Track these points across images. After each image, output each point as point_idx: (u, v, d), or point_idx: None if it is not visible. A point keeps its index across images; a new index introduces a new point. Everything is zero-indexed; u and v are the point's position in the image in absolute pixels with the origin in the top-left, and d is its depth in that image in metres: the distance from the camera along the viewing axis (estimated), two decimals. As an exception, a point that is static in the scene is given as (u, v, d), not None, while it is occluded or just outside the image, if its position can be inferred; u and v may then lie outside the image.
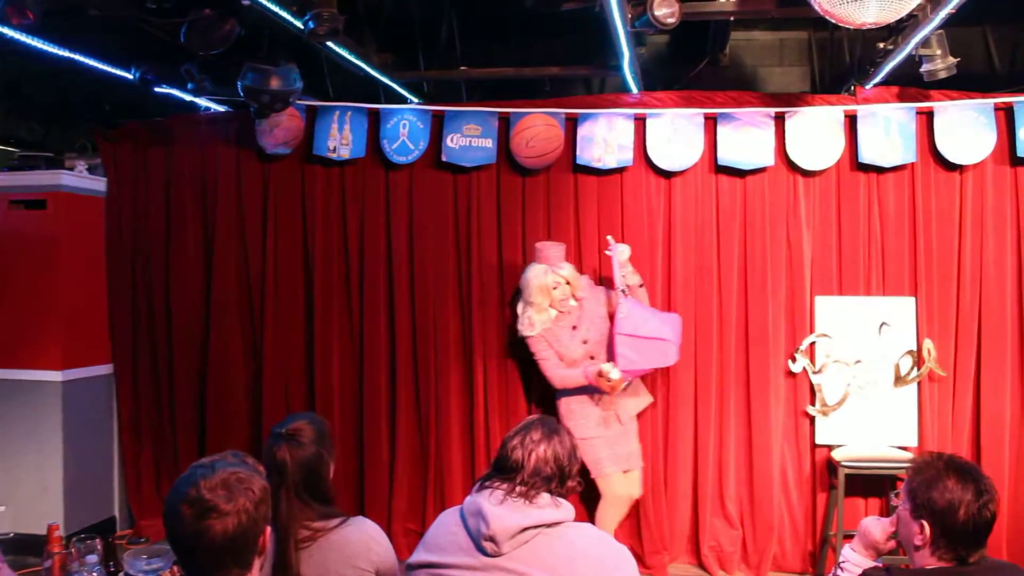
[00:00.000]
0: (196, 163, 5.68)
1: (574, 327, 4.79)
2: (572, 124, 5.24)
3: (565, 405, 4.79)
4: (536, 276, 4.77)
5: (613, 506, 4.75)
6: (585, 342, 4.77)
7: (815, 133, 5.08)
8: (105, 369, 5.71)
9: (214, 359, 5.62)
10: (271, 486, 1.96)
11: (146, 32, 4.62)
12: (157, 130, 5.73)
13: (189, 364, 5.69)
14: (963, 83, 4.85)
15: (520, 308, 4.86)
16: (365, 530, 2.49)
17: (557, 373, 4.77)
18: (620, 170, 5.25)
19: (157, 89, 5.14)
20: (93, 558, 2.68)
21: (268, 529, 1.89)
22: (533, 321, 4.78)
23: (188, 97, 5.38)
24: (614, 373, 4.53)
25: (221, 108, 5.66)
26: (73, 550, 2.69)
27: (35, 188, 5.40)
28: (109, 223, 5.75)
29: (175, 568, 2.58)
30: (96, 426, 5.63)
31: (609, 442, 4.72)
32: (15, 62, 4.95)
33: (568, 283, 4.79)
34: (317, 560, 2.38)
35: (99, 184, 5.70)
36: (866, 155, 5.05)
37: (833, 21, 3.53)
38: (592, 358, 4.75)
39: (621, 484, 4.75)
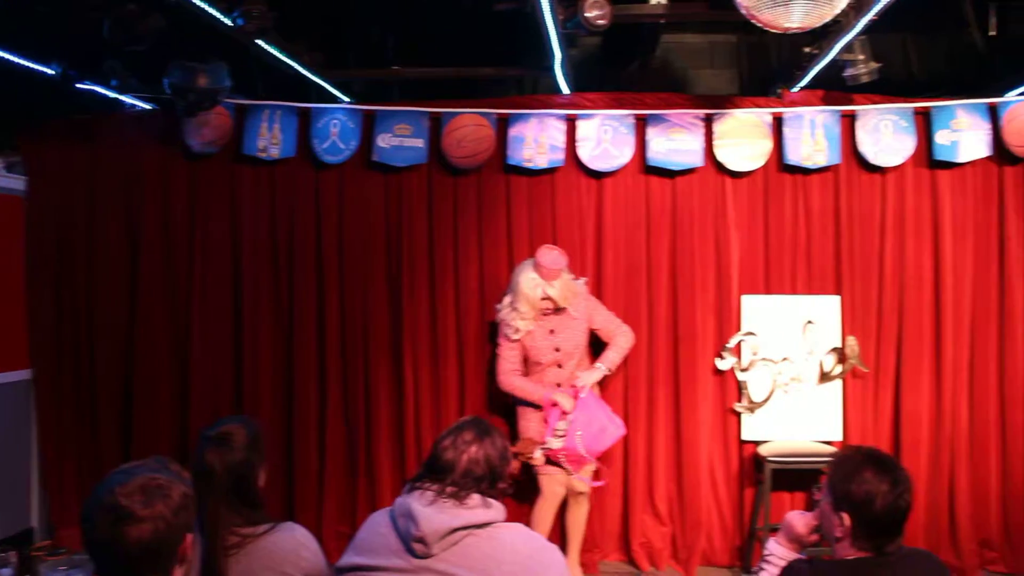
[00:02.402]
0: (121, 162, 5.53)
1: (552, 331, 4.77)
2: (503, 124, 5.27)
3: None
4: (527, 287, 4.66)
5: (550, 502, 4.79)
6: (557, 349, 4.77)
7: (743, 135, 5.17)
8: (22, 375, 5.53)
9: (139, 363, 5.48)
10: (199, 491, 1.93)
11: (68, 26, 4.52)
12: (80, 128, 5.57)
13: (113, 368, 5.53)
14: (884, 88, 5.00)
15: (508, 301, 4.79)
16: (294, 536, 2.46)
17: (512, 380, 4.79)
18: (551, 170, 5.28)
19: (80, 86, 5.01)
20: (7, 571, 2.61)
21: (190, 537, 1.85)
22: (517, 326, 4.74)
23: (113, 94, 5.26)
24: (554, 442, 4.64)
25: (147, 106, 5.54)
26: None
27: (-50, 187, 5.23)
28: (29, 223, 5.57)
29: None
30: (13, 433, 5.44)
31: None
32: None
33: (553, 300, 4.70)
34: (245, 567, 2.34)
35: (18, 183, 5.52)
36: (792, 157, 5.17)
37: (760, 25, 3.61)
38: (559, 366, 4.76)
39: (559, 481, 4.78)
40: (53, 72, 4.94)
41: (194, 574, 2.25)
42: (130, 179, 5.53)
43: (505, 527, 2.35)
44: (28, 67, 4.85)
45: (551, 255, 4.68)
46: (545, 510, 4.79)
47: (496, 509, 2.36)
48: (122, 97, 5.39)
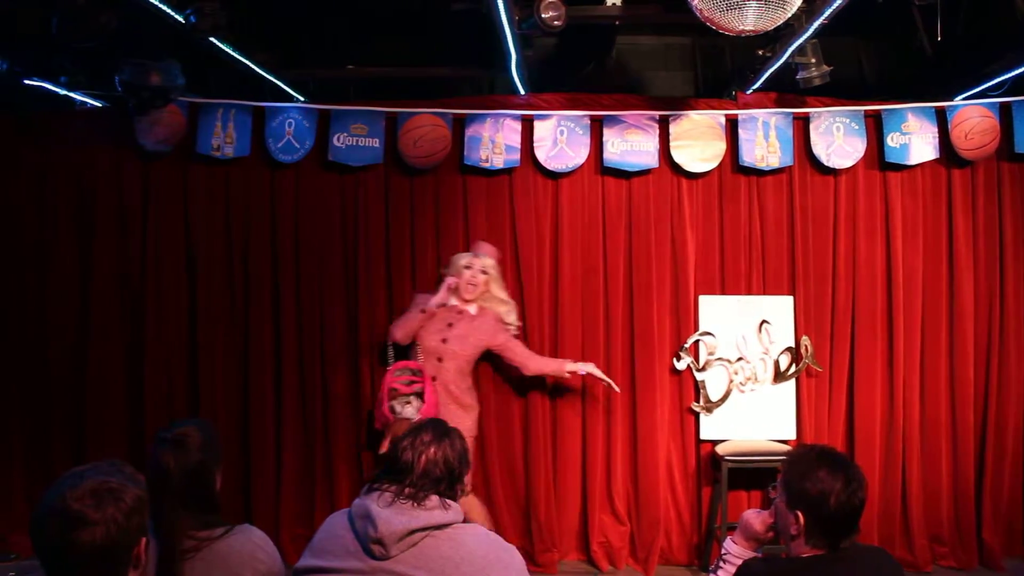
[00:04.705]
0: (71, 160, 5.41)
1: (450, 324, 4.79)
2: (460, 125, 5.26)
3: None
4: (456, 257, 4.92)
5: None
6: (444, 340, 4.76)
7: (698, 137, 5.22)
8: (-30, 376, 5.41)
9: (92, 366, 5.37)
10: (154, 493, 1.90)
11: (16, 21, 4.43)
12: (29, 125, 5.44)
13: (65, 371, 5.40)
14: (836, 91, 5.09)
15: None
16: (251, 538, 2.43)
17: (402, 324, 4.80)
18: (508, 171, 5.29)
19: (28, 82, 4.91)
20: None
21: (144, 541, 1.82)
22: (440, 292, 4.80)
23: (63, 92, 5.16)
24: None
25: (98, 103, 5.44)
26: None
27: None
28: (-25, 222, 5.45)
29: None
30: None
31: None
32: None
33: (484, 273, 4.83)
34: (201, 571, 2.31)
35: (-35, 181, 5.40)
36: (746, 158, 5.22)
37: (714, 28, 3.64)
38: (439, 359, 4.74)
39: None
40: (3, 68, 4.84)
41: (149, 578, 2.22)
42: (82, 178, 5.42)
43: (464, 528, 2.35)
44: (-25, 63, 4.75)
45: (488, 245, 5.00)
46: None
47: (454, 511, 2.35)
48: (72, 94, 5.29)
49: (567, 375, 4.96)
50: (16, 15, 4.50)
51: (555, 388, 5.27)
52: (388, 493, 2.33)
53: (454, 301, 4.84)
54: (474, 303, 4.87)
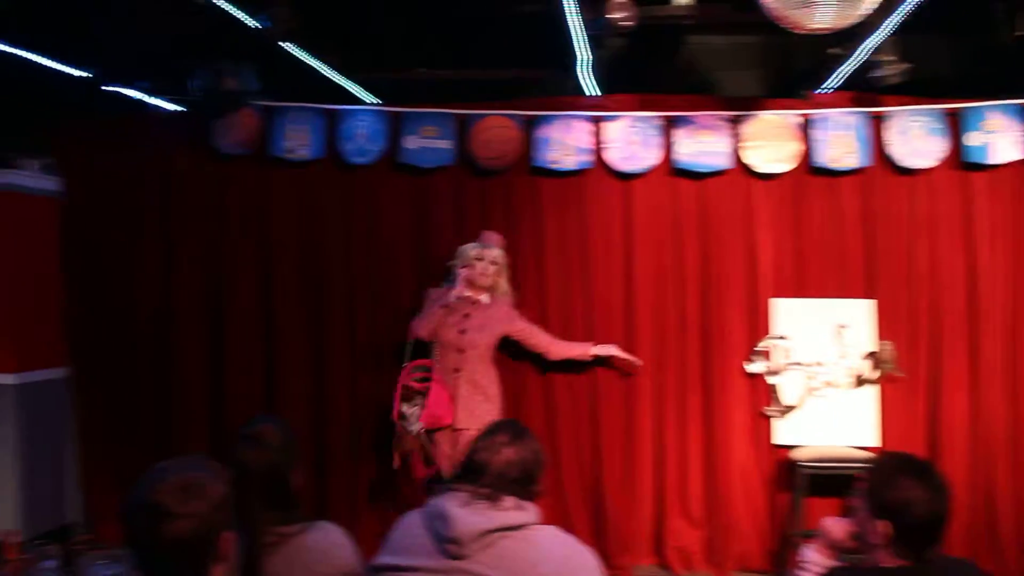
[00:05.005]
0: (152, 163, 5.56)
1: (467, 315, 4.80)
2: (530, 126, 5.26)
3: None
4: (466, 248, 4.90)
5: None
6: (463, 332, 4.77)
7: (770, 137, 5.14)
8: (61, 372, 5.58)
9: (175, 364, 5.51)
10: (239, 489, 1.93)
11: (100, 30, 4.56)
12: (112, 129, 5.60)
13: (149, 367, 5.56)
14: (915, 89, 4.95)
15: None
16: (329, 535, 2.45)
17: (423, 321, 4.80)
18: (579, 172, 5.27)
19: (111, 88, 5.06)
20: (51, 564, 2.63)
21: (229, 535, 1.86)
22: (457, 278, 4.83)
23: (143, 96, 5.30)
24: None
25: (178, 108, 5.57)
26: (31, 556, 2.64)
27: (-16, 188, 5.27)
28: (64, 224, 5.61)
29: (133, 574, 2.52)
30: (52, 430, 5.50)
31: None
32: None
33: (494, 264, 4.87)
34: (281, 566, 2.34)
35: (53, 184, 5.56)
36: (821, 159, 5.13)
37: (786, 26, 3.58)
38: (460, 351, 4.75)
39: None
40: (86, 75, 4.99)
41: (232, 573, 2.25)
42: (162, 179, 5.56)
43: (540, 529, 2.34)
44: (61, 70, 4.90)
45: (496, 235, 5.00)
46: None
47: (530, 511, 2.34)
48: (152, 99, 5.43)
49: (591, 358, 5.01)
50: (99, 24, 4.64)
51: (628, 390, 5.24)
52: (463, 493, 2.34)
53: (467, 292, 4.85)
54: (486, 292, 4.89)
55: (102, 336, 5.60)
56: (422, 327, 4.79)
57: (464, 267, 4.84)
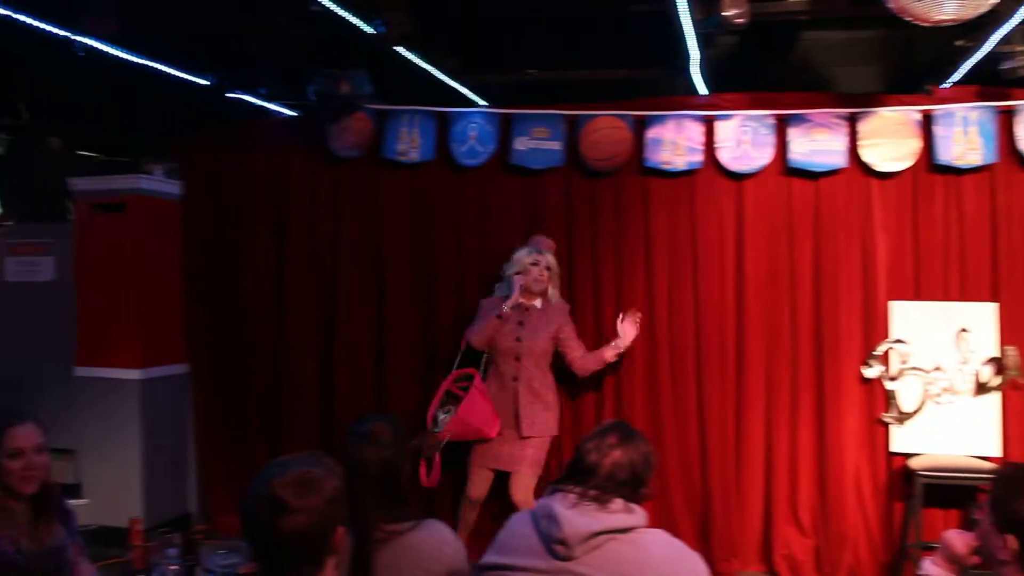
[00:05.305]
0: (268, 166, 5.75)
1: (521, 322, 4.83)
2: (640, 126, 5.21)
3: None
4: (520, 254, 4.90)
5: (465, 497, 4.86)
6: (519, 339, 4.81)
7: (889, 134, 4.97)
8: (181, 368, 5.82)
9: (287, 362, 5.69)
10: (351, 486, 1.98)
11: (220, 39, 4.73)
12: (230, 135, 5.83)
13: (262, 366, 5.75)
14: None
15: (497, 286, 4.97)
16: (437, 533, 2.49)
17: (478, 331, 4.83)
18: (689, 173, 5.20)
19: (231, 95, 5.25)
20: (173, 552, 2.74)
21: (342, 530, 1.91)
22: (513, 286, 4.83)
23: (261, 103, 5.48)
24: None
25: (293, 113, 5.75)
26: (154, 543, 2.76)
27: (115, 192, 5.53)
28: (184, 226, 5.86)
29: (251, 564, 2.61)
30: (172, 424, 5.75)
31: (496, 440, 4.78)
32: (96, 70, 5.09)
33: (548, 269, 4.89)
34: (389, 562, 2.38)
35: (175, 188, 5.81)
36: (943, 156, 4.94)
37: (907, 19, 3.47)
38: (517, 358, 4.80)
39: (474, 482, 4.84)
40: (207, 83, 5.19)
41: (344, 567, 2.31)
42: (277, 183, 5.74)
43: (648, 533, 2.33)
44: (183, 78, 5.11)
45: (548, 240, 5.03)
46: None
47: (638, 514, 2.33)
48: (269, 105, 5.61)
49: (614, 358, 4.91)
50: (220, 35, 4.82)
51: (737, 392, 5.15)
52: (572, 495, 2.34)
53: (522, 299, 4.86)
54: (539, 298, 4.90)
55: (219, 334, 5.84)
56: (476, 336, 4.84)
57: (519, 273, 4.85)
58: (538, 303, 4.91)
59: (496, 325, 4.80)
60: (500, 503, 4.86)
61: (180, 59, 5.09)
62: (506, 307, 4.79)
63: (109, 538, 4.46)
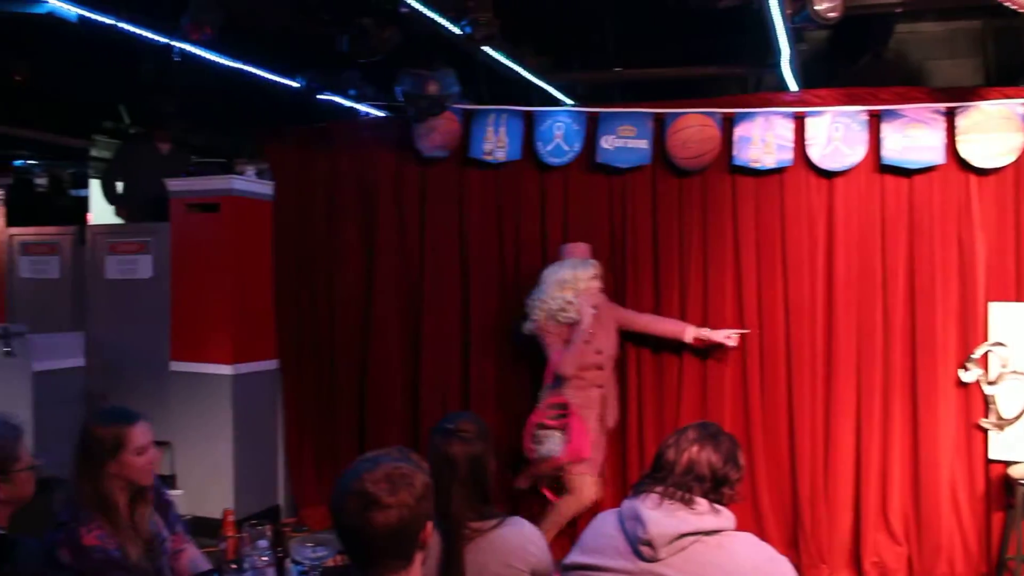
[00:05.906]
0: (357, 166, 5.85)
1: (592, 333, 4.82)
2: (729, 124, 5.13)
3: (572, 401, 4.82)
4: (579, 271, 4.86)
5: (577, 505, 4.81)
6: (599, 352, 4.84)
7: (990, 129, 4.79)
8: (271, 364, 5.96)
9: (374, 359, 5.77)
10: (441, 481, 2.00)
11: (310, 42, 4.83)
12: (320, 135, 5.94)
13: (350, 363, 5.85)
14: None
15: (554, 306, 4.86)
16: (522, 531, 2.50)
17: (571, 361, 4.78)
18: (779, 171, 5.10)
19: (321, 96, 5.35)
20: (264, 543, 2.80)
21: (430, 525, 1.93)
22: (581, 310, 4.79)
23: (349, 103, 5.57)
24: None
25: (381, 113, 5.83)
26: (246, 534, 2.82)
27: (209, 192, 5.68)
28: (276, 225, 5.99)
29: (339, 557, 2.66)
30: (262, 418, 5.89)
31: (596, 445, 4.82)
32: (192, 74, 5.25)
33: (599, 275, 4.93)
34: (475, 559, 2.41)
35: (267, 188, 5.94)
36: (1049, 151, 4.74)
37: (1012, 7, 3.34)
38: (600, 368, 4.84)
39: (591, 488, 4.83)
40: (298, 84, 5.30)
41: (431, 563, 2.34)
42: (366, 182, 5.83)
43: (734, 536, 2.30)
44: (275, 81, 5.23)
45: (578, 245, 5.06)
46: (571, 512, 4.83)
47: (725, 516, 2.31)
48: (358, 106, 5.70)
49: (688, 340, 4.97)
50: (310, 38, 4.92)
51: (827, 395, 5.03)
52: (654, 494, 2.32)
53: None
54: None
55: (309, 331, 5.97)
56: (571, 366, 4.80)
57: (582, 293, 4.83)
58: (593, 310, 4.89)
59: (582, 349, 4.81)
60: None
61: (271, 62, 5.22)
62: (587, 329, 4.79)
63: (201, 528, 4.59)
